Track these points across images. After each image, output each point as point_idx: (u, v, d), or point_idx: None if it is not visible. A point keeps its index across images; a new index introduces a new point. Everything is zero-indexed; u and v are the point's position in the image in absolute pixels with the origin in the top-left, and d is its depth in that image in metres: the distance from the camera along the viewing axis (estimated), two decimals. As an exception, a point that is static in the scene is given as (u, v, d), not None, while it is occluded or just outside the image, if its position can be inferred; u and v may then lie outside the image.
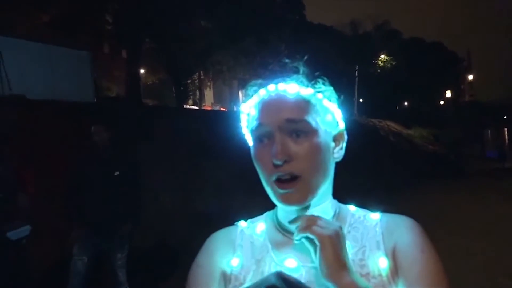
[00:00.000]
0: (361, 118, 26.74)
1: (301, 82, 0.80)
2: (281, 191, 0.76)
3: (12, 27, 10.79)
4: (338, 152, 0.83)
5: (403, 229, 0.79)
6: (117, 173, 3.54)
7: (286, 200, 0.76)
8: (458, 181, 14.46)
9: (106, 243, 3.57)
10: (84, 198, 3.48)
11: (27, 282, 3.07)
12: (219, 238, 0.87)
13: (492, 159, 25.36)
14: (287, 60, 0.85)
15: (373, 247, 0.78)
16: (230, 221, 0.91)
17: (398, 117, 31.76)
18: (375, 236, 0.79)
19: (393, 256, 0.76)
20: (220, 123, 8.62)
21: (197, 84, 26.33)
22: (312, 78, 0.82)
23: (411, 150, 23.05)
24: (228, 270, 0.82)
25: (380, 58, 36.80)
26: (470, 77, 55.94)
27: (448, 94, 47.44)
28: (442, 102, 46.08)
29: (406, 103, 42.85)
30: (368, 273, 0.75)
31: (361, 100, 34.44)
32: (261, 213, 0.91)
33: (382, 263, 0.76)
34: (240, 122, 0.86)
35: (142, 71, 20.84)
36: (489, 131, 34.59)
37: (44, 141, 6.25)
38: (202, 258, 0.86)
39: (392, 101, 37.74)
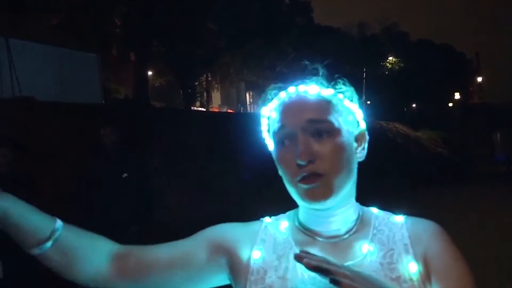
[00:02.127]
0: (369, 120, 26.63)
1: (321, 83, 0.80)
2: (305, 186, 0.75)
3: (22, 30, 10.89)
4: (360, 152, 0.83)
5: (432, 235, 0.79)
6: (125, 174, 3.56)
7: (311, 196, 0.76)
8: (462, 185, 14.32)
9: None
10: (92, 199, 3.50)
11: (35, 282, 3.05)
12: (241, 228, 0.88)
13: (501, 162, 25.08)
14: (306, 62, 0.85)
15: (401, 250, 0.77)
16: (238, 222, 0.91)
17: (406, 119, 31.56)
18: (402, 239, 0.79)
19: (425, 263, 0.76)
20: (227, 125, 8.65)
21: (205, 86, 26.38)
22: (332, 79, 0.82)
23: (419, 152, 22.93)
24: (247, 260, 0.82)
25: (388, 60, 36.68)
26: (479, 79, 55.43)
27: (457, 96, 47.08)
28: (450, 104, 45.74)
29: (414, 105, 42.61)
30: (399, 277, 0.75)
31: (368, 102, 34.30)
32: (270, 215, 0.90)
33: (412, 268, 0.75)
34: (260, 126, 0.86)
35: (150, 73, 20.93)
36: (498, 134, 34.24)
37: (52, 142, 6.30)
38: (225, 225, 0.89)
39: (400, 103, 37.56)
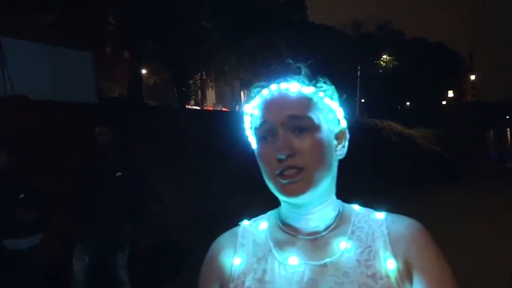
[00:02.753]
0: (363, 118, 26.70)
1: (303, 81, 0.82)
2: (284, 181, 0.77)
3: (15, 29, 10.81)
4: (340, 150, 0.84)
5: (413, 234, 0.79)
6: (119, 173, 3.55)
7: (289, 191, 0.77)
8: (456, 183, 14.39)
9: (107, 243, 3.58)
10: (88, 199, 3.50)
11: (31, 283, 3.03)
12: (222, 242, 0.89)
13: (494, 159, 25.22)
14: (290, 61, 0.87)
15: (379, 247, 0.78)
16: (233, 222, 0.92)
17: (400, 117, 31.60)
18: (381, 236, 0.80)
19: (406, 262, 0.77)
20: (222, 123, 8.64)
21: (199, 84, 26.35)
22: (313, 78, 0.84)
23: (413, 150, 23.02)
24: (229, 270, 0.83)
25: (382, 58, 36.73)
26: (473, 77, 55.78)
27: (450, 94, 47.31)
28: (444, 102, 45.96)
29: (408, 103, 42.75)
30: (374, 274, 0.75)
31: (363, 100, 34.39)
32: (266, 212, 0.91)
33: (390, 265, 0.76)
34: (243, 123, 0.87)
35: (144, 71, 20.88)
36: (491, 131, 34.45)
37: (46, 142, 6.27)
38: (206, 264, 0.88)
39: (394, 101, 37.65)
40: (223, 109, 29.31)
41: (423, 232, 0.80)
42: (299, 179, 0.76)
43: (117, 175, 3.54)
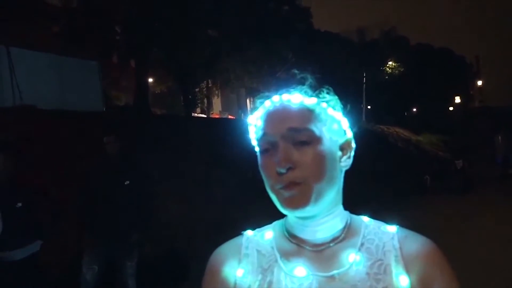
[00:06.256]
0: (369, 124, 26.64)
1: (305, 92, 0.82)
2: (286, 193, 0.76)
3: (23, 38, 10.95)
4: (345, 161, 0.83)
5: (428, 256, 0.78)
6: (127, 182, 3.56)
7: (290, 203, 0.76)
8: (465, 189, 14.22)
9: (116, 252, 3.58)
10: (94, 207, 3.50)
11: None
12: (225, 252, 0.87)
13: (500, 164, 24.95)
14: (295, 71, 0.86)
15: (391, 261, 0.77)
16: (239, 230, 0.91)
17: (406, 123, 31.54)
18: (392, 250, 0.78)
19: (420, 281, 0.76)
20: (228, 131, 8.65)
21: (205, 92, 26.43)
22: (316, 88, 0.83)
23: (420, 157, 22.88)
24: (233, 282, 0.82)
25: (388, 65, 36.69)
26: (480, 83, 55.47)
27: (457, 100, 47.06)
28: (451, 108, 45.75)
29: (414, 109, 42.61)
30: None
31: (369, 107, 34.33)
32: (271, 221, 0.90)
33: (403, 281, 0.75)
34: (249, 133, 0.87)
35: (150, 80, 20.99)
36: (499, 137, 34.24)
37: (53, 150, 6.31)
38: (208, 276, 0.86)
39: (401, 107, 37.54)
40: (229, 116, 29.36)
41: (438, 252, 0.79)
42: (300, 192, 0.75)
43: (125, 183, 3.55)
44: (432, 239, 0.81)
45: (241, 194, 8.13)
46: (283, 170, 0.75)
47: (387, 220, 0.86)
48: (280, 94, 0.81)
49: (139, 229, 3.60)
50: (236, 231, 0.92)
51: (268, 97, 0.83)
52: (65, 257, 4.34)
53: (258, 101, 0.85)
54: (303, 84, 0.83)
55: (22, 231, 2.84)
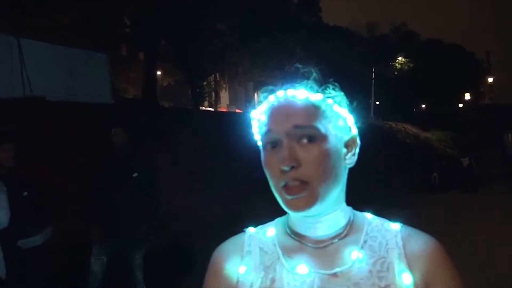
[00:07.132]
0: (378, 120, 26.51)
1: (311, 87, 0.79)
2: (289, 197, 0.75)
3: (33, 30, 11.00)
4: (350, 158, 0.81)
5: (432, 254, 0.77)
6: (135, 174, 3.58)
7: (294, 206, 0.75)
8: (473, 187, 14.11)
9: (125, 244, 3.61)
10: (103, 199, 3.53)
11: (45, 283, 3.06)
12: (227, 249, 0.87)
13: (508, 161, 24.64)
14: (299, 66, 0.84)
15: (394, 259, 0.76)
16: (245, 223, 0.91)
17: (415, 120, 31.29)
18: (395, 248, 0.78)
19: (423, 279, 0.75)
20: (236, 125, 8.65)
21: (213, 86, 26.47)
22: (322, 84, 0.81)
23: (429, 154, 22.75)
24: (236, 279, 0.82)
25: (397, 60, 36.42)
26: (490, 80, 54.89)
27: (467, 96, 46.70)
28: (461, 105, 45.37)
29: (423, 106, 42.31)
30: (387, 285, 0.74)
31: (377, 103, 34.12)
32: (275, 216, 0.90)
33: (406, 279, 0.74)
34: (251, 128, 0.85)
35: (158, 73, 21.05)
36: (509, 134, 33.88)
37: (62, 142, 6.36)
38: (210, 273, 0.86)
39: (410, 103, 37.31)
40: (237, 110, 29.37)
41: (442, 250, 0.78)
42: (304, 195, 0.74)
43: (133, 175, 3.57)
44: (437, 237, 0.81)
45: (247, 188, 8.15)
46: (287, 168, 0.73)
47: (393, 217, 0.86)
48: (285, 89, 0.79)
49: (147, 221, 3.63)
50: (242, 225, 0.92)
51: (273, 91, 0.81)
52: (76, 247, 4.39)
53: (262, 95, 0.82)
54: (309, 78, 0.81)
55: (34, 218, 2.91)
